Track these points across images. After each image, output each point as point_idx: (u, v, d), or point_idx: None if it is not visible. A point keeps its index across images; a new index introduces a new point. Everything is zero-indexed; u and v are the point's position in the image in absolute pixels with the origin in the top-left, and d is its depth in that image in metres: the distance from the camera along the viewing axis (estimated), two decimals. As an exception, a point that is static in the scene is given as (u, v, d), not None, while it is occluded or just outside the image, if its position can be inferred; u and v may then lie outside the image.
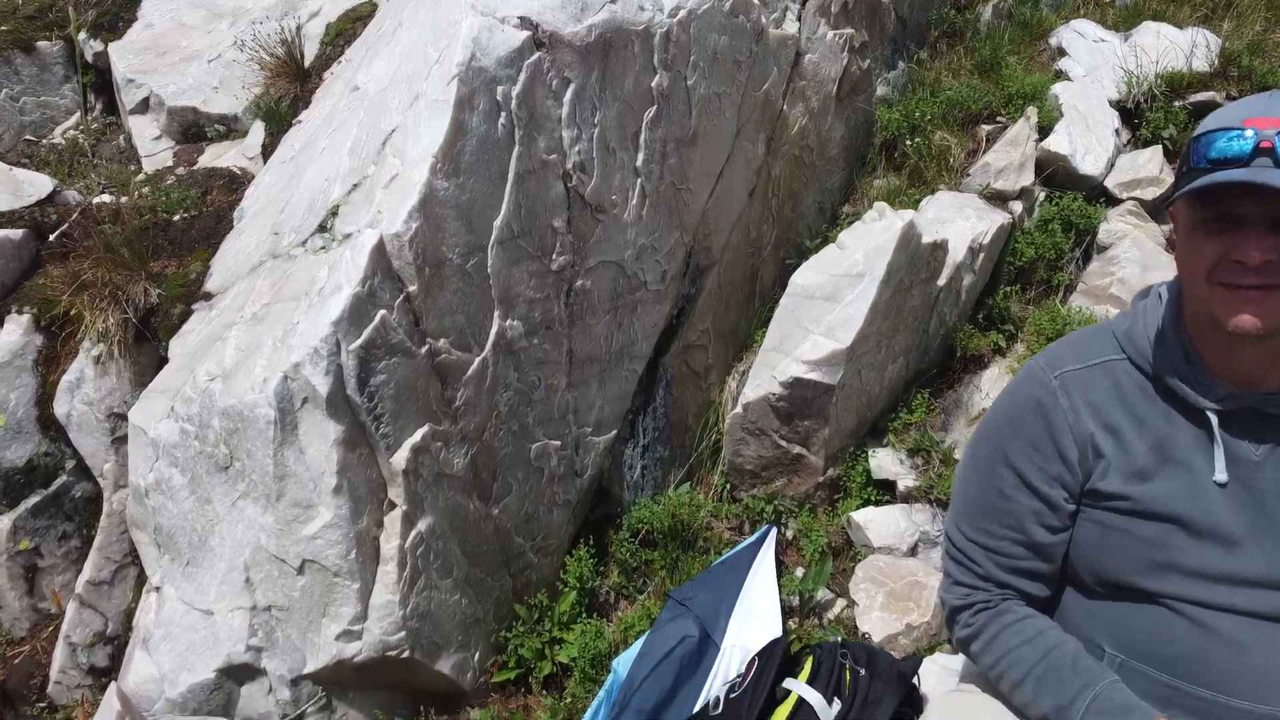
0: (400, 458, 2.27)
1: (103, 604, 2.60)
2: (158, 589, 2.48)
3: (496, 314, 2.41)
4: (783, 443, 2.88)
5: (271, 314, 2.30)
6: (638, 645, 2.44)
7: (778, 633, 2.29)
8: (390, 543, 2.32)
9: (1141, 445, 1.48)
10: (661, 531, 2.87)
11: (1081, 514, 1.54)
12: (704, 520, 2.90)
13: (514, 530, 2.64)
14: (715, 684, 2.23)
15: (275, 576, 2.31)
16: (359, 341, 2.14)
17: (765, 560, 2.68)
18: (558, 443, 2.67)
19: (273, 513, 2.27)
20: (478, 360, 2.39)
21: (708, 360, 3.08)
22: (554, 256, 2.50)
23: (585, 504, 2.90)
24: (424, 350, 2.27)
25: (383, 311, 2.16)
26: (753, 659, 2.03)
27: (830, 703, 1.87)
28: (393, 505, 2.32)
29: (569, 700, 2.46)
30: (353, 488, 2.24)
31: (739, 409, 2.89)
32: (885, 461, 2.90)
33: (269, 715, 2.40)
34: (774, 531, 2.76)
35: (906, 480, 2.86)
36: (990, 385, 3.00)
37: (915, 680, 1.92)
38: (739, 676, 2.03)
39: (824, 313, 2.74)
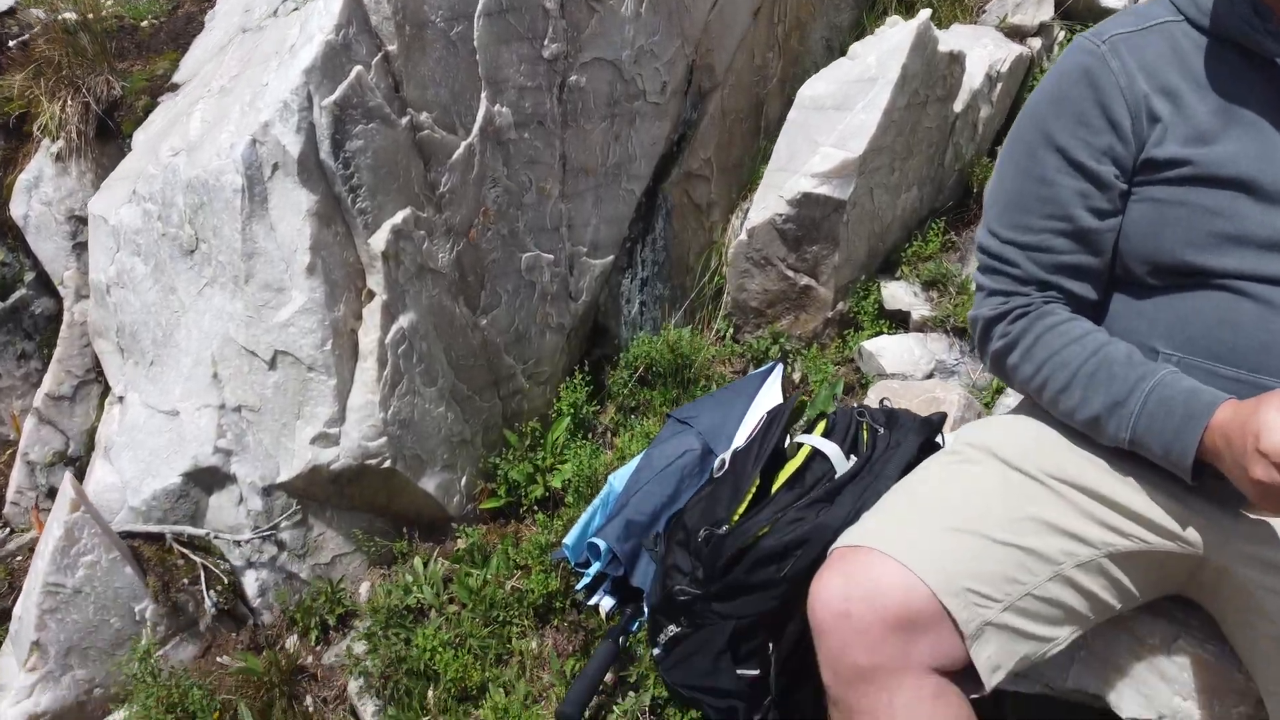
0: (380, 239, 2.10)
1: (63, 421, 2.43)
2: (121, 399, 2.32)
3: (484, 95, 2.24)
4: (790, 273, 2.71)
5: (240, 83, 2.13)
6: (635, 461, 2.27)
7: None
8: (369, 336, 2.15)
9: (1203, 108, 1.32)
10: (661, 368, 2.70)
11: (1134, 194, 1.38)
12: (706, 358, 2.73)
13: (504, 348, 2.47)
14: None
15: (245, 372, 2.15)
16: (333, 97, 1.96)
17: (771, 390, 2.51)
18: (551, 256, 2.50)
19: (241, 298, 2.10)
20: (464, 145, 2.22)
21: (710, 195, 2.92)
22: (545, 42, 2.33)
23: (581, 336, 2.74)
24: (404, 121, 2.09)
25: (359, 67, 1.99)
26: (761, 418, 1.86)
27: (848, 458, 1.71)
28: (371, 295, 2.15)
29: (562, 523, 2.29)
30: (328, 270, 2.07)
31: (743, 236, 2.72)
32: (898, 292, 2.74)
33: (240, 528, 2.23)
34: (780, 366, 2.60)
35: (921, 310, 2.69)
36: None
37: (940, 439, 1.76)
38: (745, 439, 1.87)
39: (834, 123, 2.57)
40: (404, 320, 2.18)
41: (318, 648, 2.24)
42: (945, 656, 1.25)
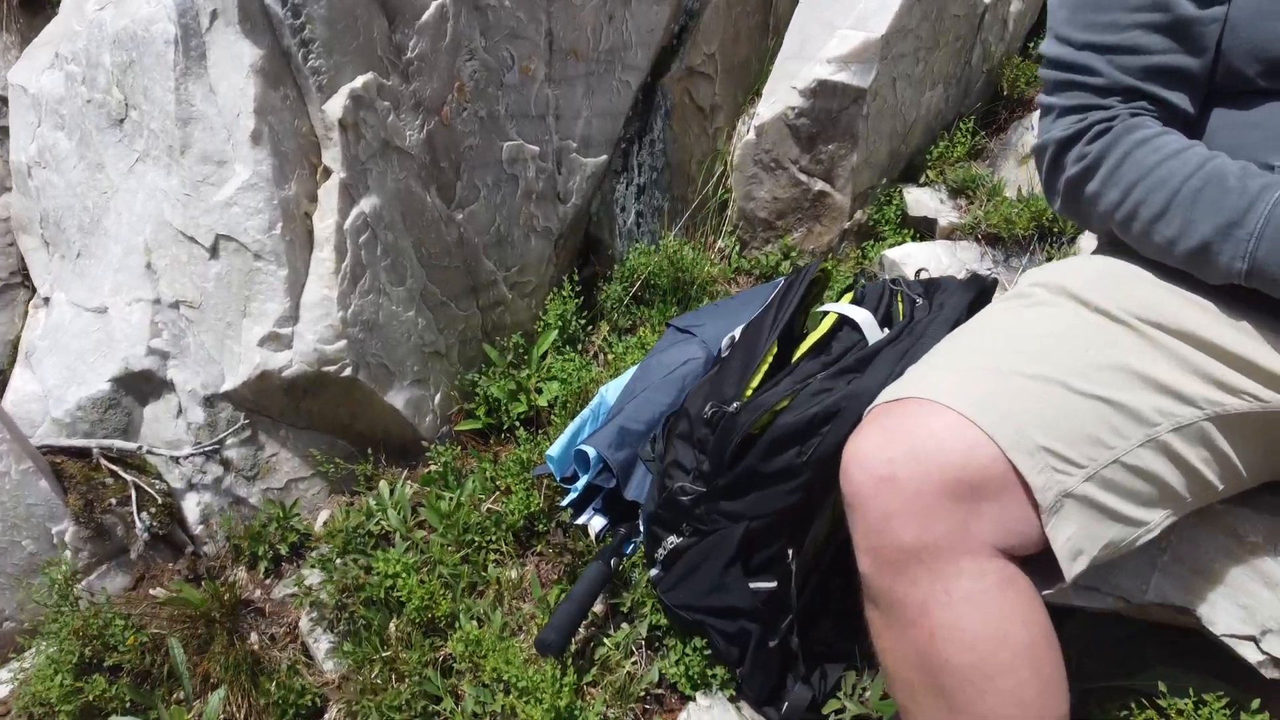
0: (336, 105, 1.82)
1: (-16, 330, 2.15)
2: (46, 300, 2.04)
3: (458, -52, 1.96)
4: (803, 177, 2.44)
5: (175, -75, 1.85)
6: (629, 372, 2.00)
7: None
8: (326, 221, 1.87)
9: None
10: (660, 284, 2.43)
11: (1246, -26, 1.10)
12: (709, 275, 2.46)
13: (483, 250, 2.19)
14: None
15: (183, 262, 1.87)
16: (279, -70, 1.69)
17: (793, 295, 2.24)
18: (535, 149, 2.22)
19: (178, 173, 1.82)
20: (434, 4, 1.94)
21: (714, 96, 2.64)
22: (529, -106, 2.05)
23: (570, 246, 2.46)
24: (365, -32, 1.82)
25: (309, -103, 1.71)
26: (777, 288, 1.59)
27: (881, 330, 1.43)
28: (328, 173, 1.88)
29: (547, 441, 2.01)
30: (276, 140, 1.79)
31: (751, 135, 2.44)
32: (923, 198, 2.47)
33: (179, 444, 1.95)
34: (813, 269, 2.32)
35: (949, 217, 2.42)
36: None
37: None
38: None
39: (852, 2, 2.30)
40: (366, 205, 1.90)
41: (267, 580, 1.97)
42: (1013, 535, 0.98)
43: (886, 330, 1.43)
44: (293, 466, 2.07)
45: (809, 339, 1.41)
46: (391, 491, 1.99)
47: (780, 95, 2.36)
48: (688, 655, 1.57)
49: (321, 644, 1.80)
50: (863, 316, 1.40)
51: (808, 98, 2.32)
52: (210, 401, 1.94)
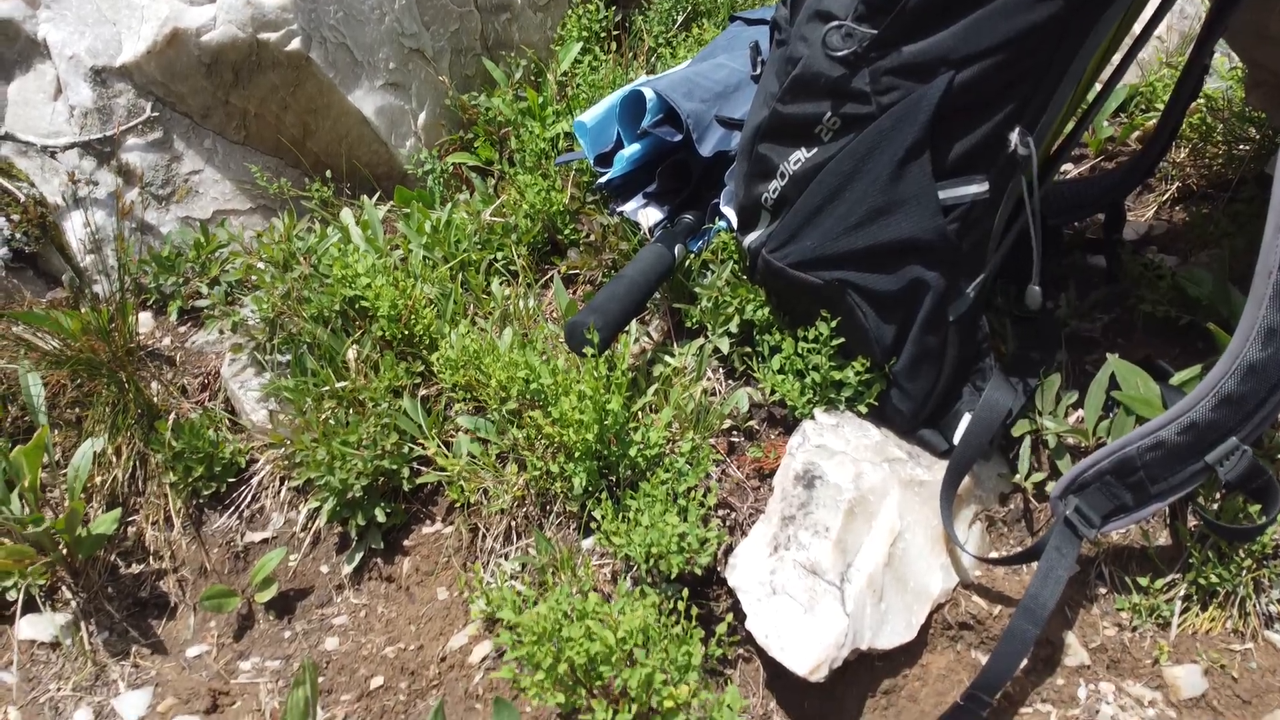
0: None
1: None
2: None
3: None
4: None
5: None
6: (682, 67, 1.44)
7: None
8: None
9: None
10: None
11: None
12: None
13: (483, -75, 1.63)
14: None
15: None
16: None
17: None
18: None
19: None
20: None
21: None
22: None
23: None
24: None
25: None
26: None
27: None
28: None
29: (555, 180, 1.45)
30: None
31: None
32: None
33: (56, 133, 1.39)
34: None
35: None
36: None
37: None
38: None
39: None
40: None
41: (181, 329, 1.41)
42: None
43: None
44: (222, 192, 1.52)
45: None
46: (359, 218, 1.43)
47: None
48: (801, 354, 1.02)
49: (250, 391, 1.24)
50: None
51: None
52: (101, 77, 1.38)
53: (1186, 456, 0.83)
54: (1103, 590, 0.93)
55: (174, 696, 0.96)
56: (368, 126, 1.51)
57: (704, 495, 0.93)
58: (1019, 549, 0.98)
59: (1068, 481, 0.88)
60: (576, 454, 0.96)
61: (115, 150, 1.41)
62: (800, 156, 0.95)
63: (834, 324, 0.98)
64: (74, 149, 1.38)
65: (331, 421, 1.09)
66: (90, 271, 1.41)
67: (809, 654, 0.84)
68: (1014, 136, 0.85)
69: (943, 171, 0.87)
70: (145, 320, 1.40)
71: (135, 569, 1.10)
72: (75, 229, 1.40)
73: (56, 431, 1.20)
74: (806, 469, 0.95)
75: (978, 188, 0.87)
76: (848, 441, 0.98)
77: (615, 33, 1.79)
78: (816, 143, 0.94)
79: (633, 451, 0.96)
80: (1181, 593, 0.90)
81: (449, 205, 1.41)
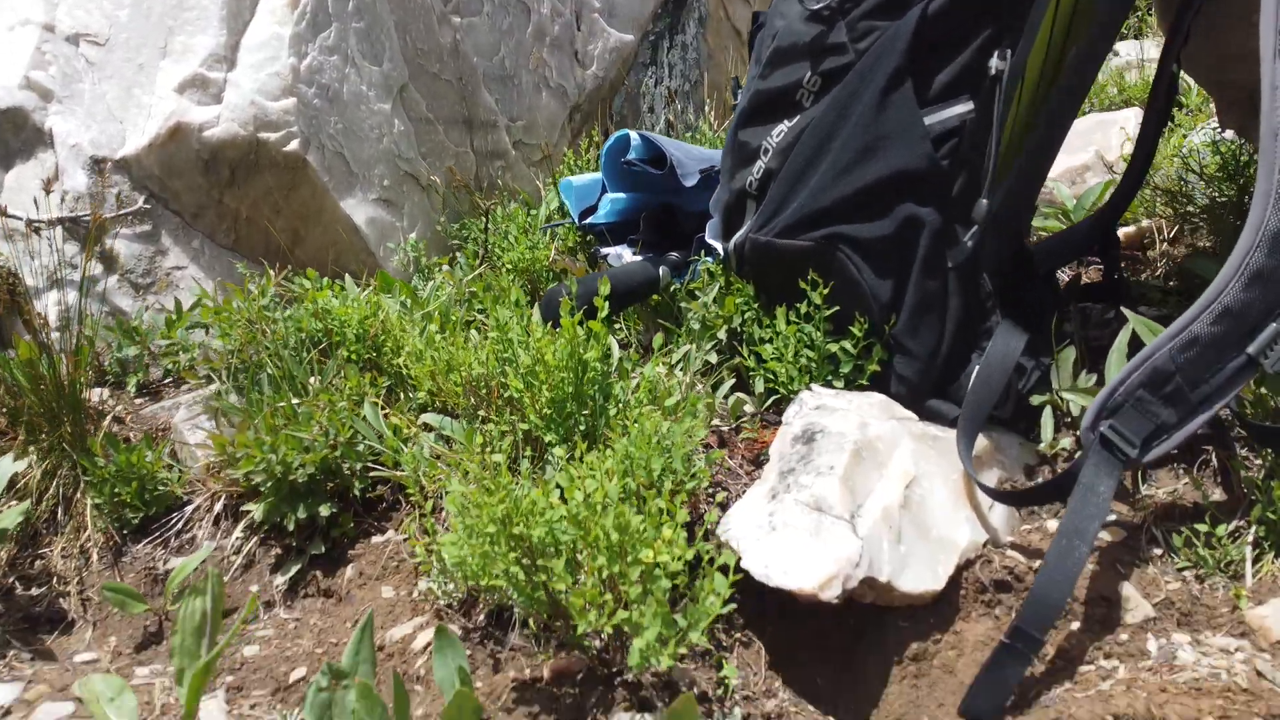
0: None
1: None
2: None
3: None
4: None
5: None
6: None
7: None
8: (287, -60, 1.47)
9: None
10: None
11: None
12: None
13: (484, 80, 1.76)
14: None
15: (92, -21, 1.44)
16: None
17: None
18: (553, -15, 1.87)
19: None
20: None
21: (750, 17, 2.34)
22: None
23: (587, 127, 2.02)
24: None
25: None
26: None
27: None
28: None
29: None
30: None
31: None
32: None
33: (45, 214, 1.40)
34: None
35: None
36: None
37: None
38: None
39: None
40: (341, -61, 1.51)
41: (138, 401, 1.32)
42: None
43: None
44: (204, 291, 1.50)
45: None
46: (337, 293, 1.40)
47: None
48: (795, 322, 0.95)
49: (200, 430, 1.14)
50: None
51: None
52: (99, 166, 1.42)
53: (1225, 349, 0.75)
54: (1157, 551, 0.80)
55: (45, 684, 0.78)
56: (358, 235, 1.53)
57: (690, 433, 0.82)
58: (1051, 520, 0.85)
59: (1097, 408, 0.78)
60: (548, 413, 0.87)
61: (101, 235, 1.42)
62: (782, 128, 0.95)
63: (826, 289, 0.93)
64: (59, 226, 1.39)
65: (280, 421, 0.99)
66: (56, 348, 1.36)
67: (818, 569, 0.70)
68: (994, 61, 0.86)
69: (926, 100, 0.87)
70: (99, 394, 1.32)
71: (35, 592, 0.95)
72: (48, 309, 1.36)
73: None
74: (806, 429, 0.85)
75: (963, 107, 0.86)
76: (849, 401, 0.89)
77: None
78: (798, 110, 0.94)
79: (614, 401, 0.86)
80: (1250, 538, 0.77)
81: (430, 283, 1.39)
